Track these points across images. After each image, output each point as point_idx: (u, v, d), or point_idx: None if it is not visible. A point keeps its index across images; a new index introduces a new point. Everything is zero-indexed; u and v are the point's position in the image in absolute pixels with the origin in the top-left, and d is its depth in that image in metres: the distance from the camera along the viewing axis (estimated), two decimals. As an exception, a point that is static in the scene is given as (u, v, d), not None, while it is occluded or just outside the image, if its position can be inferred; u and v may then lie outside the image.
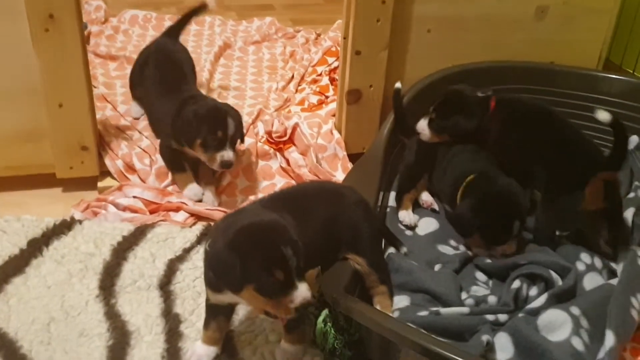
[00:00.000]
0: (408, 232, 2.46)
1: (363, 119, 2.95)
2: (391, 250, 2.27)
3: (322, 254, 2.00)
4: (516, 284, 2.11)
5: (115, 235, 2.49)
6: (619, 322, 1.93)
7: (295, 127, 2.98)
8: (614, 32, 3.10)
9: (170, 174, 2.79)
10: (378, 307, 2.05)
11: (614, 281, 2.13)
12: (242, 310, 2.16)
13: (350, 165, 2.89)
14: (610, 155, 2.29)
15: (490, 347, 1.88)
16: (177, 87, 2.87)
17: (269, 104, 3.32)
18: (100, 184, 2.79)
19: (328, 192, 2.13)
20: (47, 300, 2.23)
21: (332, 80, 3.45)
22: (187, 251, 2.45)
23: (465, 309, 2.03)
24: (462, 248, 2.38)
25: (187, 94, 2.81)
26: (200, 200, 2.71)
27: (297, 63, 3.74)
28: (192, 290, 2.30)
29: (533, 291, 2.11)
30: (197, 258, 2.41)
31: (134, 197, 2.69)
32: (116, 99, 3.25)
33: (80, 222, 2.54)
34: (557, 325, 1.95)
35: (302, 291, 1.75)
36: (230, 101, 3.35)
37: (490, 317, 2.00)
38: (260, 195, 2.79)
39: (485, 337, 1.87)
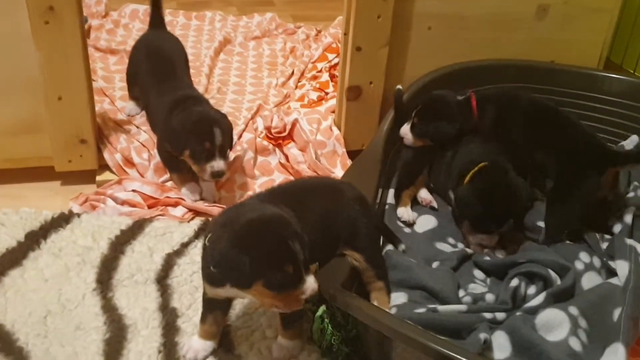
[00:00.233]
0: (406, 230, 2.46)
1: (363, 115, 2.95)
2: (389, 247, 2.26)
3: (320, 250, 1.98)
4: (514, 282, 2.10)
5: (113, 229, 2.48)
6: (631, 336, 1.94)
7: (294, 123, 2.98)
8: (614, 31, 3.10)
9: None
10: (375, 303, 2.05)
11: (613, 280, 2.13)
12: (239, 305, 2.16)
13: (349, 162, 2.89)
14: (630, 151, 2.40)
15: (487, 346, 1.88)
16: (168, 85, 2.85)
17: (268, 100, 3.32)
18: (98, 178, 2.79)
19: (326, 188, 2.13)
20: (44, 293, 2.23)
21: (332, 76, 3.45)
22: (184, 246, 2.45)
23: (462, 307, 2.03)
24: (460, 246, 2.38)
25: (180, 93, 2.77)
26: (199, 198, 2.70)
27: (297, 59, 3.73)
28: (190, 285, 2.30)
29: (531, 290, 2.11)
30: (195, 253, 2.41)
31: (133, 191, 2.69)
32: (115, 94, 3.25)
33: (78, 215, 2.54)
34: (555, 324, 1.94)
35: (311, 283, 1.76)
36: (230, 96, 3.36)
37: (488, 315, 1.99)
38: (258, 191, 2.78)
39: (482, 335, 1.86)
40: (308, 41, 3.94)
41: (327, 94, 3.33)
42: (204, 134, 2.54)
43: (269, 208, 1.83)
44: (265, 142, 2.97)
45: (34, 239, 2.42)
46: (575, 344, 1.91)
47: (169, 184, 2.74)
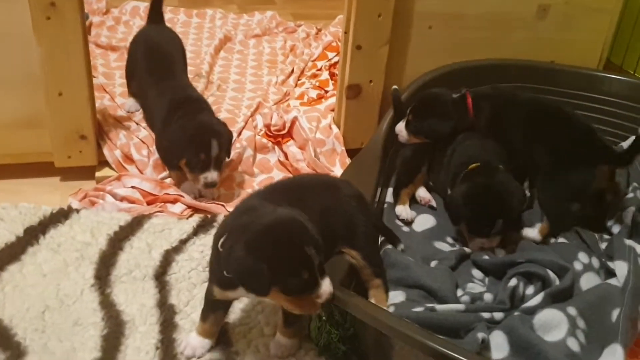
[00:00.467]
0: (405, 228, 2.45)
1: (362, 114, 2.95)
2: (388, 245, 2.26)
3: None
4: (513, 282, 2.10)
5: (112, 225, 2.49)
6: (629, 337, 1.94)
7: (294, 121, 2.98)
8: (615, 32, 3.10)
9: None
10: (373, 301, 2.04)
11: (612, 281, 2.13)
12: (237, 303, 2.16)
13: (348, 161, 2.89)
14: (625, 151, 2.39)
15: (485, 345, 1.87)
16: (167, 83, 2.84)
17: (268, 98, 3.32)
18: (98, 174, 2.79)
19: (324, 185, 2.12)
20: (42, 288, 2.23)
21: (332, 75, 3.45)
22: (183, 242, 2.45)
23: (460, 306, 2.02)
24: (458, 245, 2.38)
25: (179, 94, 2.77)
26: (198, 195, 2.71)
27: (297, 57, 3.74)
28: (188, 282, 2.30)
29: (530, 290, 2.11)
30: (193, 249, 2.41)
31: (132, 187, 2.69)
32: (115, 90, 3.25)
33: (77, 211, 2.54)
34: (553, 325, 1.94)
35: (327, 286, 1.76)
36: (230, 94, 3.36)
37: (485, 314, 1.99)
38: (257, 189, 2.79)
39: (480, 335, 1.86)
40: (308, 39, 3.94)
41: (326, 92, 3.33)
42: (200, 145, 2.57)
43: (283, 211, 1.82)
44: (264, 140, 2.97)
45: (33, 234, 2.42)
46: (573, 345, 1.90)
47: (168, 180, 2.75)
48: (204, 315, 2.04)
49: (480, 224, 2.30)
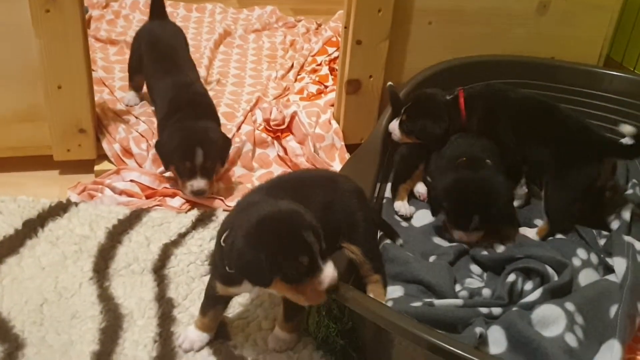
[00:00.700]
0: (404, 224, 2.46)
1: (362, 109, 2.95)
2: (387, 241, 2.26)
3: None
4: (511, 277, 2.10)
5: (110, 219, 2.49)
6: (627, 333, 1.94)
7: (293, 116, 2.97)
8: (615, 29, 3.10)
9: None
10: (371, 296, 2.04)
11: (610, 277, 2.13)
12: (236, 297, 2.16)
13: (347, 156, 2.88)
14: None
15: (483, 340, 1.88)
16: (171, 80, 2.82)
17: (267, 92, 3.32)
18: (97, 167, 2.79)
19: (325, 180, 2.11)
20: (40, 281, 2.23)
21: (331, 70, 3.45)
22: (182, 236, 2.45)
23: (459, 301, 2.02)
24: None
25: (182, 93, 2.75)
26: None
27: (297, 52, 3.73)
28: (186, 275, 2.30)
29: (528, 285, 2.11)
30: (192, 243, 2.41)
31: (131, 181, 2.68)
32: (114, 84, 3.25)
33: (76, 204, 2.54)
34: (551, 320, 1.94)
35: (329, 272, 1.75)
36: (229, 88, 3.36)
37: (484, 310, 1.99)
38: (257, 184, 2.78)
39: (478, 330, 1.86)
40: (308, 34, 3.93)
41: (326, 87, 3.33)
42: (185, 153, 2.56)
43: (282, 203, 1.82)
44: (264, 135, 2.97)
45: (32, 227, 2.42)
46: (571, 340, 1.90)
47: (168, 174, 2.74)
48: (204, 310, 2.04)
49: (457, 216, 2.31)
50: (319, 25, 4.04)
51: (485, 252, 2.26)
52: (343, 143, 2.96)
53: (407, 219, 2.47)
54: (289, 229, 1.74)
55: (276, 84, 3.41)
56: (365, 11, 2.72)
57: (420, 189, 2.56)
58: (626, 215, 2.39)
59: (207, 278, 2.27)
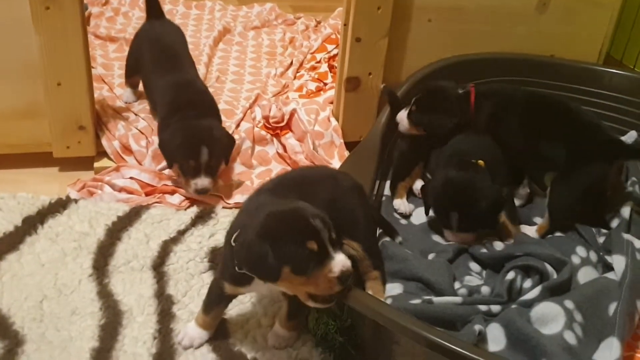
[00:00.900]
0: (403, 221, 2.46)
1: (361, 107, 2.95)
2: (386, 238, 2.26)
3: None
4: (510, 275, 2.10)
5: (110, 216, 2.49)
6: (626, 331, 1.95)
7: (292, 113, 2.97)
8: (615, 27, 3.10)
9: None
10: (370, 293, 2.05)
11: (610, 275, 2.14)
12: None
13: (346, 153, 2.88)
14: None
15: (482, 338, 1.88)
16: (171, 78, 2.80)
17: (267, 90, 3.32)
18: (96, 165, 2.79)
19: (327, 177, 2.12)
20: (40, 277, 2.23)
21: (330, 67, 3.44)
22: (181, 233, 2.45)
23: (458, 299, 2.03)
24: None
25: (182, 93, 2.74)
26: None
27: (296, 49, 3.73)
28: (186, 272, 2.30)
29: (527, 283, 2.11)
30: (191, 240, 2.42)
31: (131, 178, 2.69)
32: (113, 81, 3.25)
33: (75, 201, 2.54)
34: (550, 318, 1.95)
35: (340, 259, 1.74)
36: (229, 85, 3.35)
37: (483, 307, 1.99)
38: (256, 181, 2.79)
39: (477, 327, 1.87)
40: (307, 32, 3.93)
41: (325, 84, 3.32)
42: (189, 152, 2.56)
43: (289, 201, 1.83)
44: (263, 132, 2.97)
45: (31, 223, 2.43)
46: (570, 338, 1.91)
47: (167, 171, 2.74)
48: (207, 308, 2.04)
49: (438, 214, 2.32)
50: (318, 22, 4.04)
51: (484, 250, 2.26)
52: (342, 140, 2.96)
53: (406, 216, 2.47)
54: (296, 217, 1.74)
55: (275, 82, 3.41)
56: (364, 8, 2.72)
57: (419, 186, 2.56)
58: (625, 213, 2.39)
59: (206, 275, 2.29)
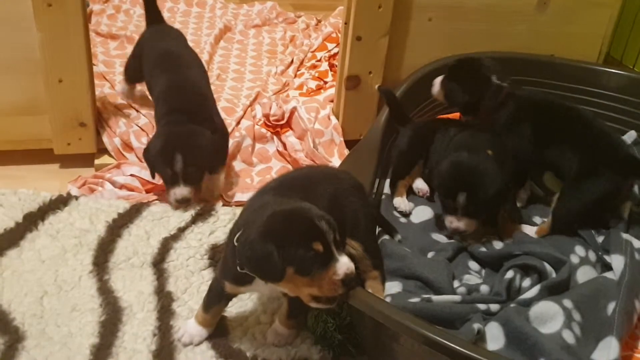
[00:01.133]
0: (402, 220, 2.45)
1: (361, 105, 2.95)
2: (385, 236, 2.27)
3: None
4: (509, 274, 2.10)
5: (110, 212, 2.49)
6: (624, 330, 1.95)
7: (293, 111, 2.98)
8: (615, 26, 3.10)
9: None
10: (369, 291, 2.05)
11: (608, 274, 2.14)
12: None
13: (346, 152, 2.89)
14: None
15: (481, 336, 1.88)
16: (168, 81, 2.73)
17: (267, 88, 3.32)
18: (97, 162, 2.80)
19: (329, 176, 2.11)
20: (40, 274, 2.24)
21: (331, 66, 3.45)
22: (181, 230, 2.46)
23: (457, 297, 2.03)
24: (455, 237, 2.38)
25: (178, 99, 2.64)
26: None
27: (297, 48, 3.74)
28: (185, 269, 2.30)
29: (526, 282, 2.11)
30: (192, 237, 2.42)
31: (131, 175, 2.69)
32: (114, 78, 3.25)
33: (76, 198, 2.55)
34: (549, 317, 1.95)
35: (344, 261, 1.74)
36: (229, 83, 3.36)
37: (481, 306, 1.99)
38: (256, 179, 2.79)
39: (476, 326, 1.87)
40: (308, 30, 3.94)
41: (326, 83, 3.33)
42: (164, 160, 2.48)
43: (294, 201, 1.82)
44: (263, 130, 2.98)
45: (32, 220, 2.43)
46: (568, 337, 1.91)
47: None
48: (207, 306, 2.05)
49: (445, 195, 2.30)
50: (319, 21, 4.05)
51: (483, 249, 2.26)
52: (342, 139, 2.96)
53: (406, 215, 2.47)
54: (302, 218, 1.74)
55: (276, 80, 3.41)
56: (365, 7, 2.72)
57: (420, 185, 2.56)
58: (624, 213, 2.39)
59: (206, 272, 2.29)
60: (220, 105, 3.03)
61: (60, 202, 2.51)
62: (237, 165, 2.85)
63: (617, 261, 2.16)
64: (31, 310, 2.11)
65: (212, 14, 4.13)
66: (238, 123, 2.97)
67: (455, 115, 2.86)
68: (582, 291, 2.06)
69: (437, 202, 2.51)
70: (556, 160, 2.44)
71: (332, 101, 3.10)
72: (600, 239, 2.34)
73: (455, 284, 2.14)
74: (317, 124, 2.95)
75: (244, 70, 3.54)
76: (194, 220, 2.51)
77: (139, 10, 3.98)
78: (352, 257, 2.02)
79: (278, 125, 2.99)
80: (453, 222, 2.30)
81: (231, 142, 2.84)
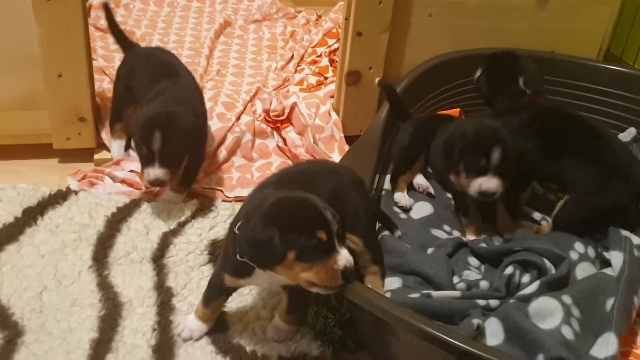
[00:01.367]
0: (402, 216, 2.46)
1: (361, 101, 2.95)
2: (385, 232, 2.27)
3: None
4: (509, 270, 2.10)
5: (109, 207, 2.49)
6: (623, 327, 1.96)
7: (293, 107, 2.98)
8: (615, 24, 3.10)
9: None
10: (369, 287, 2.05)
11: (607, 271, 2.14)
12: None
13: (346, 147, 2.89)
14: None
15: (480, 332, 1.88)
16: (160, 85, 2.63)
17: (267, 83, 3.32)
18: (96, 156, 2.80)
19: (330, 171, 2.12)
20: (40, 268, 2.24)
21: (331, 61, 3.44)
22: (181, 225, 2.46)
23: (456, 293, 2.03)
24: (455, 233, 2.39)
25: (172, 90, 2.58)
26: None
27: (297, 43, 3.73)
28: (185, 265, 2.30)
29: (525, 278, 2.11)
30: (191, 233, 2.42)
31: (131, 171, 2.69)
32: (114, 73, 3.23)
33: (75, 192, 2.54)
34: (548, 312, 1.95)
35: (345, 254, 1.75)
36: (229, 79, 3.36)
37: (481, 302, 2.00)
38: (256, 174, 2.79)
39: (475, 321, 1.87)
40: (308, 26, 3.93)
41: (326, 78, 3.33)
42: (143, 136, 2.36)
43: (296, 192, 1.83)
44: (263, 125, 2.97)
45: (31, 215, 2.43)
46: (567, 332, 1.92)
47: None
48: (207, 301, 2.05)
49: (476, 152, 2.25)
50: (319, 16, 4.04)
51: (483, 245, 2.27)
52: (342, 134, 2.96)
53: (406, 210, 2.47)
54: (308, 206, 1.75)
55: (276, 75, 3.41)
56: (365, 3, 2.72)
57: (420, 180, 2.56)
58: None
59: (206, 267, 2.29)
60: (220, 100, 3.03)
61: (60, 197, 2.51)
62: (237, 160, 2.85)
63: (616, 258, 2.16)
64: (31, 305, 2.11)
65: (212, 8, 4.12)
66: (238, 118, 2.96)
67: (455, 111, 2.87)
68: (581, 287, 2.06)
69: (437, 198, 2.52)
70: (566, 172, 2.39)
71: (332, 97, 3.09)
72: (599, 235, 2.34)
73: (455, 279, 2.14)
74: (318, 120, 2.95)
75: (244, 66, 3.53)
76: (193, 216, 2.51)
77: (139, 5, 3.98)
78: (352, 252, 2.03)
79: (278, 121, 2.99)
80: (483, 183, 2.24)
81: (231, 137, 2.84)
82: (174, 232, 2.42)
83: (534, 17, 2.96)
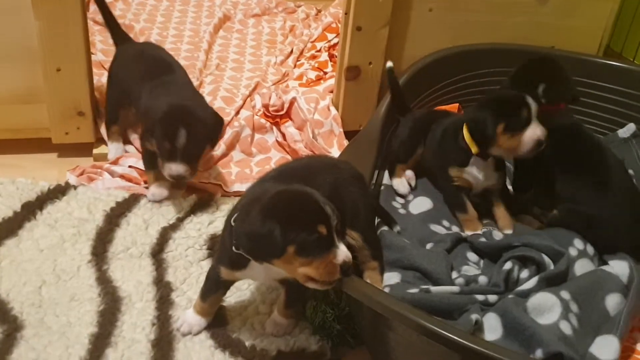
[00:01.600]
0: (401, 211, 2.46)
1: (361, 96, 2.94)
2: (384, 227, 2.27)
3: None
4: (508, 265, 2.11)
5: (108, 202, 2.49)
6: (627, 330, 1.97)
7: (292, 102, 2.97)
8: (615, 19, 3.10)
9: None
10: (368, 282, 2.05)
11: (606, 267, 2.15)
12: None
13: (346, 142, 2.88)
14: None
15: (478, 327, 1.89)
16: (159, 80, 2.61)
17: (267, 78, 3.31)
18: (95, 151, 2.79)
19: (330, 166, 2.12)
20: (39, 263, 2.24)
21: (331, 56, 3.44)
22: (180, 220, 2.46)
23: (455, 288, 2.03)
24: (454, 229, 2.38)
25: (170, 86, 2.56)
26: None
27: (296, 38, 3.72)
28: (184, 260, 2.30)
29: (524, 273, 2.11)
30: (190, 227, 2.42)
31: (130, 167, 2.68)
32: (114, 67, 3.23)
33: (74, 187, 2.54)
34: (547, 308, 1.96)
35: (344, 250, 1.75)
36: (228, 73, 3.35)
37: (480, 297, 2.00)
38: (255, 169, 2.79)
39: (474, 317, 1.87)
40: (308, 20, 3.92)
41: (325, 73, 3.32)
42: (167, 132, 2.34)
43: (295, 185, 1.83)
44: (262, 120, 2.97)
45: (30, 209, 2.43)
46: (565, 328, 1.92)
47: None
48: (205, 295, 2.05)
49: (517, 108, 2.23)
50: (319, 11, 4.03)
51: (482, 240, 2.26)
52: (341, 129, 2.95)
53: (405, 206, 2.47)
54: (309, 200, 1.75)
55: (275, 70, 3.40)
56: (366, -3, 2.72)
57: (408, 173, 2.55)
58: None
59: (205, 262, 2.29)
60: (220, 94, 3.03)
61: (59, 192, 2.51)
62: (236, 155, 2.84)
63: (619, 266, 2.16)
64: (30, 299, 2.11)
65: (211, 2, 4.11)
66: (237, 113, 2.96)
67: (454, 107, 2.86)
68: (580, 283, 2.07)
69: (437, 193, 2.52)
70: (571, 191, 2.35)
71: (331, 92, 3.09)
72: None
73: (454, 274, 2.15)
74: (317, 115, 2.94)
75: (244, 60, 3.53)
76: (193, 210, 2.51)
77: (138, -1, 3.97)
78: (351, 247, 2.04)
79: (277, 116, 2.99)
80: (536, 130, 2.22)
81: (230, 132, 2.84)
82: (173, 227, 2.42)
83: (534, 12, 2.95)
